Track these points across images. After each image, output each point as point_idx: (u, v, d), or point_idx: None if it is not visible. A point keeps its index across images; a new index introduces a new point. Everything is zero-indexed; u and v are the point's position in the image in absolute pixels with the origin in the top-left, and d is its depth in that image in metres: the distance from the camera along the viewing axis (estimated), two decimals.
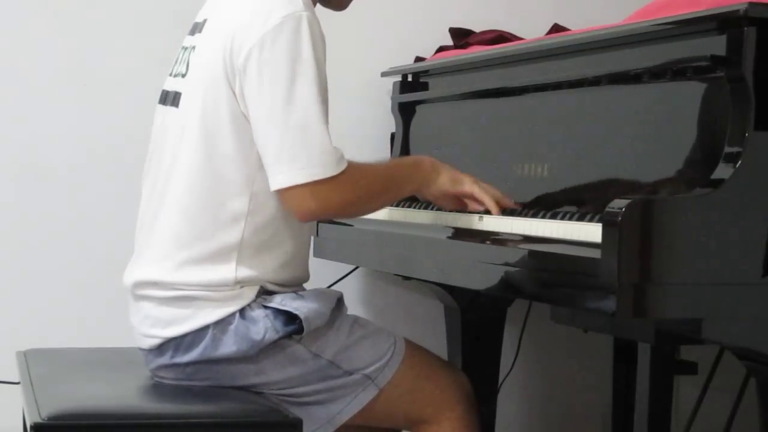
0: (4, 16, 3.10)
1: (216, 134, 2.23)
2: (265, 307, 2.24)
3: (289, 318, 2.23)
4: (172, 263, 2.25)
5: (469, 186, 2.38)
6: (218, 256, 2.24)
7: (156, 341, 2.27)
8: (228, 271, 2.23)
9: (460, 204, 2.43)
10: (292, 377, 2.27)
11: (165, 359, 2.27)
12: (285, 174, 2.18)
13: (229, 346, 2.22)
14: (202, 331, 2.23)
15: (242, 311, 2.23)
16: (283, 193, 2.20)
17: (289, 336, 2.24)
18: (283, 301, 2.25)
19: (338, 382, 2.28)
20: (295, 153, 2.17)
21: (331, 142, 2.20)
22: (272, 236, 2.27)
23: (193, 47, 2.32)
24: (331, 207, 2.22)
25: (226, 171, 2.23)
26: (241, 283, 2.24)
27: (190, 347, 2.24)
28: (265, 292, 2.27)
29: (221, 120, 2.22)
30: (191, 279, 2.23)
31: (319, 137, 2.18)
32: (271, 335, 2.22)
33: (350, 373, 2.29)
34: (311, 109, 2.17)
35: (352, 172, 2.23)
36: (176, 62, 2.39)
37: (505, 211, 2.39)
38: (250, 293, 2.25)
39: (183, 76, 2.32)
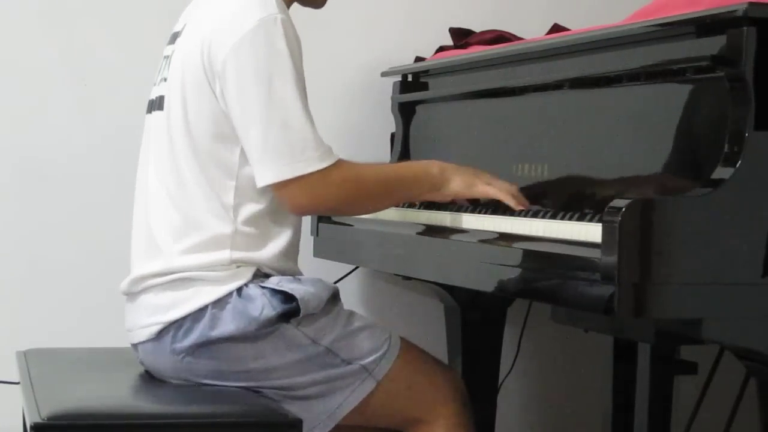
0: (3, 15, 3.10)
1: (199, 133, 2.29)
2: (263, 287, 2.28)
3: (287, 298, 2.27)
4: (170, 254, 2.30)
5: (482, 188, 2.40)
6: (213, 243, 2.29)
7: (156, 328, 2.29)
8: (224, 253, 2.28)
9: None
10: (291, 363, 2.28)
11: (164, 346, 2.29)
12: (271, 170, 2.24)
13: (227, 324, 2.25)
14: (200, 311, 2.26)
15: (240, 290, 2.27)
16: (274, 190, 2.26)
17: (286, 320, 2.27)
18: (280, 283, 2.29)
19: (337, 371, 2.30)
20: (278, 150, 2.23)
21: (316, 138, 2.25)
22: (262, 229, 2.31)
23: (174, 52, 2.38)
24: (322, 201, 2.28)
25: (211, 166, 2.29)
26: (237, 263, 2.29)
27: (189, 330, 2.26)
28: (262, 275, 2.32)
29: (203, 119, 2.28)
30: (189, 263, 2.28)
31: (300, 133, 2.23)
32: (269, 312, 2.24)
33: (348, 363, 2.30)
34: (291, 106, 2.23)
35: (344, 168, 2.28)
36: (159, 71, 2.45)
37: (505, 212, 2.39)
38: (247, 272, 2.29)
39: (165, 80, 2.38)
